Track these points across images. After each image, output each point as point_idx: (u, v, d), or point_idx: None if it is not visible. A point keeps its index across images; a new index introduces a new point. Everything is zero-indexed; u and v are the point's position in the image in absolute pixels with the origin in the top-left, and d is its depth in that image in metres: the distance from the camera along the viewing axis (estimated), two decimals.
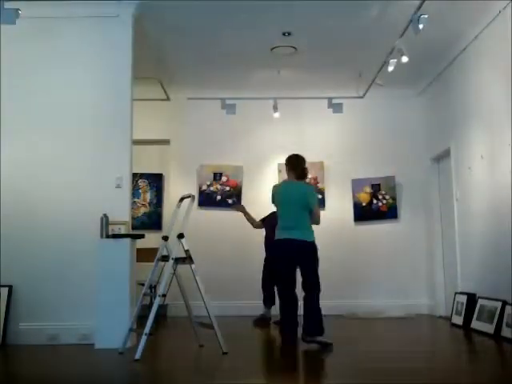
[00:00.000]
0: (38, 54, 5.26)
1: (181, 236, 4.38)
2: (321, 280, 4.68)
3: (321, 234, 4.95)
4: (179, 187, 7.73)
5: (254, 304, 6.79)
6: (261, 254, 6.67)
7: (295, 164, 4.87)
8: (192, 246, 4.56)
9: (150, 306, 6.57)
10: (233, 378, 3.63)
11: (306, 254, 4.62)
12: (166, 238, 4.61)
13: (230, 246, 7.52)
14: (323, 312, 4.61)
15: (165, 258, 4.54)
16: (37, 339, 4.84)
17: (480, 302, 5.54)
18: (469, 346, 5.12)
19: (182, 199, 4.73)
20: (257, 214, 7.76)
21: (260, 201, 7.70)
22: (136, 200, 7.82)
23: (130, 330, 4.39)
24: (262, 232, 6.70)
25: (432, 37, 5.72)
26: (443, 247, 7.25)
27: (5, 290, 4.95)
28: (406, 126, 7.78)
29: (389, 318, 6.76)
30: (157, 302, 4.21)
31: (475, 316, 5.52)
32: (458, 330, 5.74)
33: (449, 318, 6.21)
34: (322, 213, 4.88)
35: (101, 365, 4.12)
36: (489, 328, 5.14)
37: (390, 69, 6.00)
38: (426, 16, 4.94)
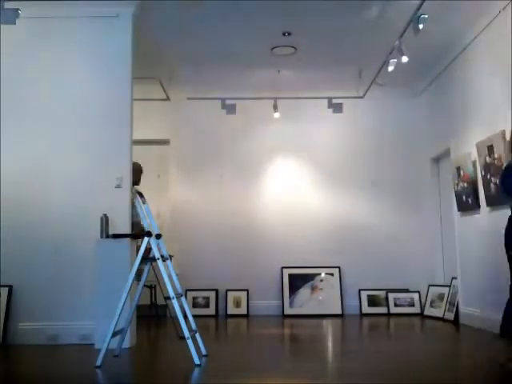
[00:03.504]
0: (38, 54, 5.25)
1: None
2: None
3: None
4: (179, 187, 7.74)
5: None
6: None
7: None
8: None
9: (150, 307, 6.62)
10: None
11: None
12: (158, 236, 4.41)
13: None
14: None
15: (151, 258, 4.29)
16: (37, 339, 4.84)
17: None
18: None
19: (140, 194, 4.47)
20: (256, 215, 7.79)
21: (258, 201, 7.72)
22: None
23: (121, 331, 4.34)
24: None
25: (432, 37, 5.72)
26: (443, 247, 7.26)
27: (5, 290, 4.95)
28: (406, 125, 7.79)
29: None
30: (176, 304, 4.06)
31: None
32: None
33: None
34: None
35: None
36: None
37: (390, 69, 5.99)
38: (426, 16, 4.94)
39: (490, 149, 5.32)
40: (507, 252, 3.84)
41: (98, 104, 5.21)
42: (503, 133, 5.06)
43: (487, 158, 5.39)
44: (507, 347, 3.74)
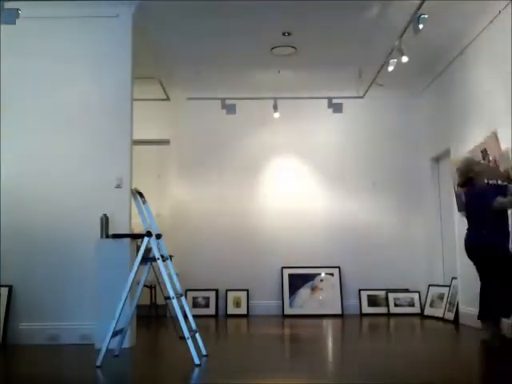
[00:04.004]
0: (38, 54, 5.25)
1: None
2: None
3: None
4: (179, 187, 7.75)
5: None
6: None
7: None
8: None
9: (150, 307, 6.62)
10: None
11: None
12: (158, 236, 4.32)
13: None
14: None
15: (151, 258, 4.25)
16: (37, 339, 4.85)
17: None
18: None
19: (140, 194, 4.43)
20: (256, 215, 7.80)
21: (258, 201, 7.72)
22: None
23: (121, 331, 4.33)
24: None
25: (432, 37, 5.72)
26: (443, 247, 7.26)
27: (5, 290, 4.95)
28: (406, 125, 7.79)
29: None
30: (176, 304, 4.04)
31: None
32: None
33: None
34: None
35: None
36: None
37: (390, 69, 6.00)
38: (426, 16, 4.96)
39: (484, 152, 5.31)
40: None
41: (98, 104, 5.21)
42: (495, 133, 5.05)
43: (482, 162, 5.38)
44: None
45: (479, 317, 4.72)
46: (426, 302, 7.10)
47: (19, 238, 4.98)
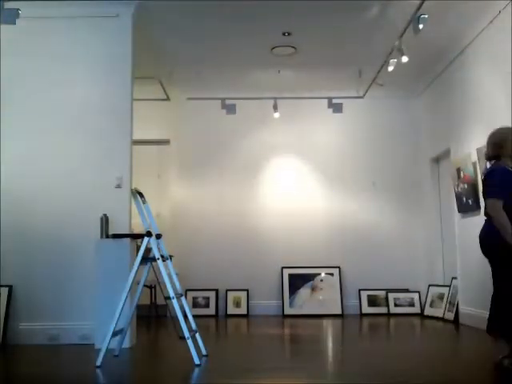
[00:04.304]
0: (38, 54, 5.25)
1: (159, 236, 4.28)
2: None
3: None
4: (179, 187, 7.74)
5: None
6: None
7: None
8: None
9: (150, 307, 6.62)
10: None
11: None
12: (158, 236, 4.31)
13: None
14: None
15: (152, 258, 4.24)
16: (37, 339, 4.85)
17: None
18: None
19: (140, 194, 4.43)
20: (256, 215, 7.79)
21: (258, 201, 7.72)
22: None
23: (121, 331, 4.33)
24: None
25: (432, 37, 5.72)
26: (443, 247, 7.26)
27: (5, 290, 4.95)
28: (406, 125, 7.80)
29: None
30: (176, 304, 4.03)
31: None
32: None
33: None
34: None
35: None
36: None
37: (390, 69, 6.00)
38: (426, 16, 4.96)
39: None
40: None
41: (98, 104, 5.21)
42: None
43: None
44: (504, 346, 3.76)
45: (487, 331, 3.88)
46: (425, 302, 7.10)
47: (19, 238, 4.98)
